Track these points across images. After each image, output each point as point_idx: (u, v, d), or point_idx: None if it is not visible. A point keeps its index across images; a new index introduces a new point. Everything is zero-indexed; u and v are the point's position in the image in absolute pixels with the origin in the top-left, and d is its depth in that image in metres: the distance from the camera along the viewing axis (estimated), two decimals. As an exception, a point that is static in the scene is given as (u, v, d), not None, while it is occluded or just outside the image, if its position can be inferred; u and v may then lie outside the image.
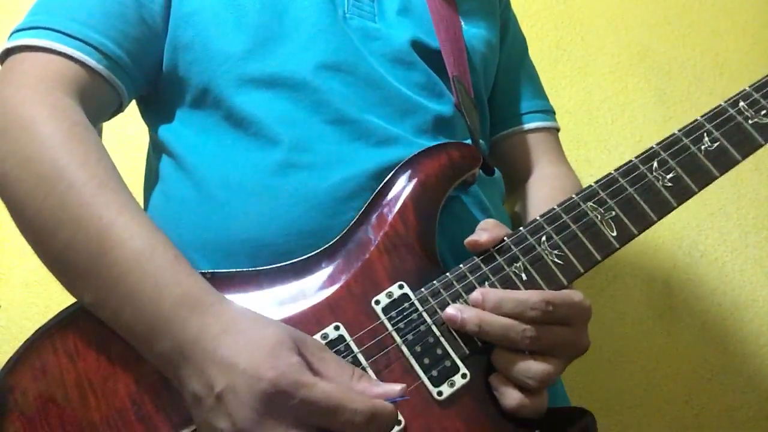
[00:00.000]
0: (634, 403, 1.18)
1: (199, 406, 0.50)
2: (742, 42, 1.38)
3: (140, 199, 0.73)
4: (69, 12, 0.65)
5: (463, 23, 0.80)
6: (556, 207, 0.63)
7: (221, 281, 0.58)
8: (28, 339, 0.57)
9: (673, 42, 1.37)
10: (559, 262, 0.61)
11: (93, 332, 0.56)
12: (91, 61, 0.64)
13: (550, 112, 0.93)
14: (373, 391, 0.51)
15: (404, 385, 0.53)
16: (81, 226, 0.54)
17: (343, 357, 0.56)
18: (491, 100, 0.88)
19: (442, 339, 0.58)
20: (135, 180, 0.77)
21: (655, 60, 1.36)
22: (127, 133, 1.16)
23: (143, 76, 0.70)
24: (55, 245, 0.55)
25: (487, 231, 0.62)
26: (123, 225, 0.54)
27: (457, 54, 0.76)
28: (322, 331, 0.57)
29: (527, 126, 0.89)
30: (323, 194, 0.64)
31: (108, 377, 0.55)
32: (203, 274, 0.57)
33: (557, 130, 0.93)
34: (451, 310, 0.58)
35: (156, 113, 0.75)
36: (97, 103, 0.66)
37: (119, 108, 0.71)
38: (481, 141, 0.75)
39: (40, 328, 0.58)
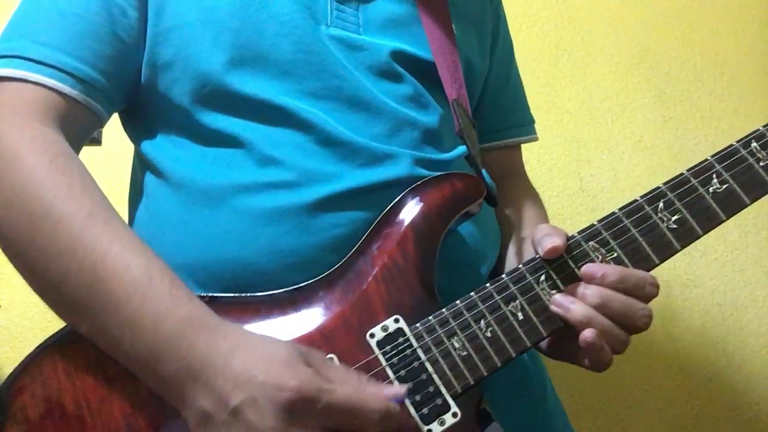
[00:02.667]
0: (634, 403, 1.18)
1: (209, 423, 0.50)
2: (742, 42, 1.38)
3: (125, 211, 0.73)
4: (40, 36, 0.63)
5: (457, 41, 0.77)
6: None
7: (219, 306, 0.58)
8: (28, 355, 0.57)
9: (673, 42, 1.37)
10: None
11: (92, 352, 0.56)
12: (65, 88, 0.62)
13: (530, 124, 0.92)
14: (382, 392, 0.52)
15: (408, 385, 0.55)
16: (74, 260, 0.53)
17: None
18: (475, 111, 0.85)
19: (434, 376, 0.57)
20: (122, 191, 0.76)
21: (655, 60, 1.36)
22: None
23: (121, 93, 0.69)
24: (48, 279, 0.55)
25: (553, 234, 0.61)
26: (117, 254, 0.54)
27: (455, 75, 0.74)
28: None
29: (509, 141, 0.89)
30: (305, 213, 0.63)
31: (104, 398, 0.55)
32: (201, 297, 0.57)
33: (535, 140, 0.93)
34: (559, 297, 0.59)
35: (138, 127, 0.73)
36: (77, 126, 0.65)
37: (100, 125, 0.69)
38: (484, 171, 0.73)
39: (41, 344, 0.58)
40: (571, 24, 1.36)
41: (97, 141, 0.76)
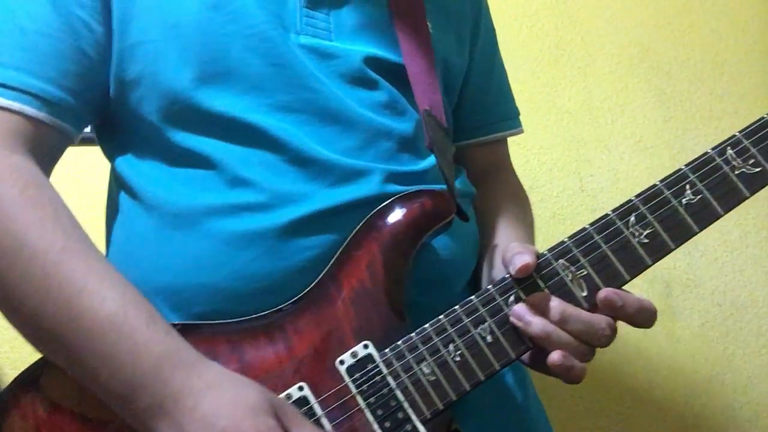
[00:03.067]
0: (634, 403, 1.18)
1: None
2: (742, 42, 1.38)
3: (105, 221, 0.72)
4: (2, 57, 0.61)
5: (433, 43, 0.74)
6: None
7: (191, 334, 0.58)
8: (3, 390, 0.57)
9: (673, 42, 1.37)
10: None
11: (62, 387, 0.56)
12: (32, 111, 0.60)
13: (515, 117, 0.89)
14: None
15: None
16: (49, 296, 0.53)
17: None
18: (457, 107, 0.83)
19: (404, 403, 0.57)
20: (100, 204, 0.75)
21: (655, 60, 1.36)
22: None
23: (90, 110, 0.67)
24: (23, 314, 0.54)
25: (524, 252, 0.60)
26: (92, 289, 0.53)
27: (429, 79, 0.71)
28: (287, 391, 0.57)
29: (494, 136, 0.87)
30: (276, 237, 0.61)
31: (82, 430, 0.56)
32: (174, 325, 0.57)
33: (521, 133, 0.91)
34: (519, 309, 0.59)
35: (111, 144, 0.72)
36: (47, 148, 0.63)
37: (72, 143, 0.68)
38: (456, 184, 0.71)
39: (16, 378, 0.58)
40: (571, 24, 1.36)
41: (92, 141, 0.74)
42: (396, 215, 0.63)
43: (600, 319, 0.58)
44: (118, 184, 0.70)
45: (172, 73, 0.64)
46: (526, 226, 0.80)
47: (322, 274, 0.62)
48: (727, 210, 0.59)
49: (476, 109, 0.85)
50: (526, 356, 0.62)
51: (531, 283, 0.60)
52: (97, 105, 0.67)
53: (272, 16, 0.66)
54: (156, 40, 0.64)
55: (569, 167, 1.28)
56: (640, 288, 1.21)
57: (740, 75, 1.36)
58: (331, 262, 0.62)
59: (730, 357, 1.21)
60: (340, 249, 0.63)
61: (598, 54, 1.35)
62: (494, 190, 0.84)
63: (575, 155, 1.29)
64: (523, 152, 1.26)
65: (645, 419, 1.17)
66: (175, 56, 0.64)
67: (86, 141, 0.72)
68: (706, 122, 1.33)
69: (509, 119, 0.88)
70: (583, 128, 1.30)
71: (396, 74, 0.70)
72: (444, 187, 0.68)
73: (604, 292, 0.58)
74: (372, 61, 0.69)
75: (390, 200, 0.64)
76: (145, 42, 0.65)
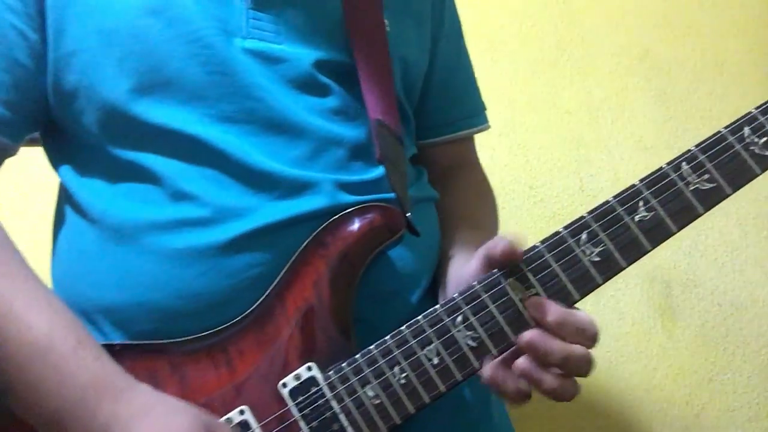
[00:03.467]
0: (634, 403, 1.18)
1: None
2: (742, 42, 1.38)
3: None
4: None
5: (391, 41, 0.69)
6: (476, 284, 0.59)
7: (129, 354, 0.57)
8: None
9: (673, 42, 1.37)
10: (473, 344, 0.57)
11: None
12: None
13: (481, 113, 0.86)
14: None
15: None
16: None
17: None
18: (421, 105, 0.79)
19: (348, 428, 0.56)
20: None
21: (655, 60, 1.35)
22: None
23: (29, 120, 0.64)
24: None
25: (501, 242, 0.57)
26: (18, 315, 0.52)
27: (383, 85, 0.67)
28: (227, 415, 0.56)
29: (460, 134, 0.83)
30: (219, 253, 0.59)
31: None
32: (112, 345, 0.56)
33: (488, 128, 0.87)
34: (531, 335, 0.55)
35: (54, 153, 0.68)
36: None
37: (11, 155, 0.65)
38: (412, 192, 0.68)
39: None
40: (571, 24, 1.36)
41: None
42: (344, 231, 0.61)
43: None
44: (62, 194, 0.68)
45: (108, 83, 0.61)
46: (488, 232, 0.76)
47: (267, 292, 0.60)
48: (680, 227, 0.58)
49: (441, 107, 0.82)
50: (488, 374, 0.59)
51: (478, 302, 0.58)
52: (36, 115, 0.64)
53: (215, 20, 0.62)
54: (92, 48, 0.61)
55: (569, 167, 1.28)
56: (640, 288, 1.21)
57: (740, 75, 1.36)
58: (276, 280, 0.60)
59: (730, 357, 1.21)
60: (287, 266, 0.60)
61: (598, 54, 1.35)
62: (457, 189, 0.81)
63: (575, 155, 1.29)
64: (523, 152, 1.26)
65: (645, 419, 1.17)
66: (112, 66, 0.61)
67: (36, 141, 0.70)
68: (706, 122, 1.33)
69: (475, 116, 0.85)
70: (583, 128, 1.30)
71: (349, 77, 0.67)
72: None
73: (527, 336, 0.55)
74: (322, 65, 0.66)
75: (338, 215, 0.62)
76: (81, 51, 0.61)
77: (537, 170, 1.27)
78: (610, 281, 1.18)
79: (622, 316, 1.19)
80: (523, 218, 1.25)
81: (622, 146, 1.30)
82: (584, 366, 0.56)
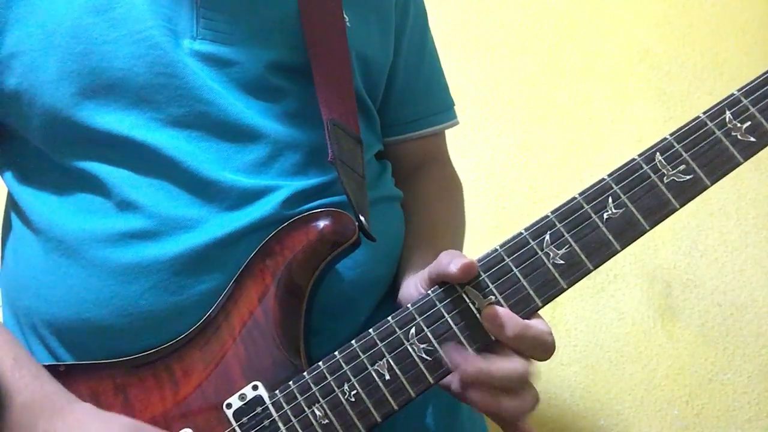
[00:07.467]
0: (634, 403, 1.18)
1: None
2: (742, 42, 1.38)
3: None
4: None
5: (350, 38, 0.66)
6: (430, 293, 0.55)
7: (75, 375, 0.55)
8: None
9: (673, 42, 1.37)
10: (428, 358, 0.54)
11: None
12: None
13: (449, 108, 0.82)
14: None
15: None
16: None
17: None
18: (386, 101, 0.76)
19: None
20: None
21: (655, 60, 1.36)
22: None
23: None
24: None
25: (452, 262, 0.54)
26: None
27: (339, 85, 0.65)
28: None
29: (427, 131, 0.79)
30: (166, 268, 0.56)
31: None
32: (57, 366, 0.55)
33: (456, 124, 0.83)
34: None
35: None
36: None
37: None
38: (371, 195, 0.65)
39: None
40: (571, 24, 1.36)
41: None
42: (292, 241, 0.58)
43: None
44: (9, 200, 0.65)
45: (50, 87, 0.57)
46: (450, 235, 0.73)
47: (213, 308, 0.57)
48: (654, 224, 0.53)
49: (406, 103, 0.78)
50: (455, 387, 0.56)
51: (433, 312, 0.54)
52: None
53: (162, 19, 0.59)
54: (34, 49, 0.58)
55: (569, 167, 1.28)
56: (640, 288, 1.21)
57: (740, 75, 1.36)
58: (223, 294, 0.57)
59: (730, 357, 1.21)
60: (233, 279, 0.57)
61: (598, 54, 1.35)
62: (420, 185, 0.78)
63: (575, 155, 1.29)
64: (523, 152, 1.26)
65: (645, 419, 1.17)
66: (54, 68, 0.57)
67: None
68: (706, 122, 1.33)
69: (441, 112, 0.81)
70: (583, 128, 1.30)
71: (305, 77, 0.63)
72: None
73: (470, 368, 0.51)
74: (276, 66, 0.62)
75: (288, 223, 0.59)
76: (22, 53, 0.58)
77: (537, 170, 1.27)
78: (610, 281, 1.18)
79: (622, 316, 1.19)
80: (523, 218, 1.26)
81: (622, 146, 1.30)
82: (524, 382, 0.53)
